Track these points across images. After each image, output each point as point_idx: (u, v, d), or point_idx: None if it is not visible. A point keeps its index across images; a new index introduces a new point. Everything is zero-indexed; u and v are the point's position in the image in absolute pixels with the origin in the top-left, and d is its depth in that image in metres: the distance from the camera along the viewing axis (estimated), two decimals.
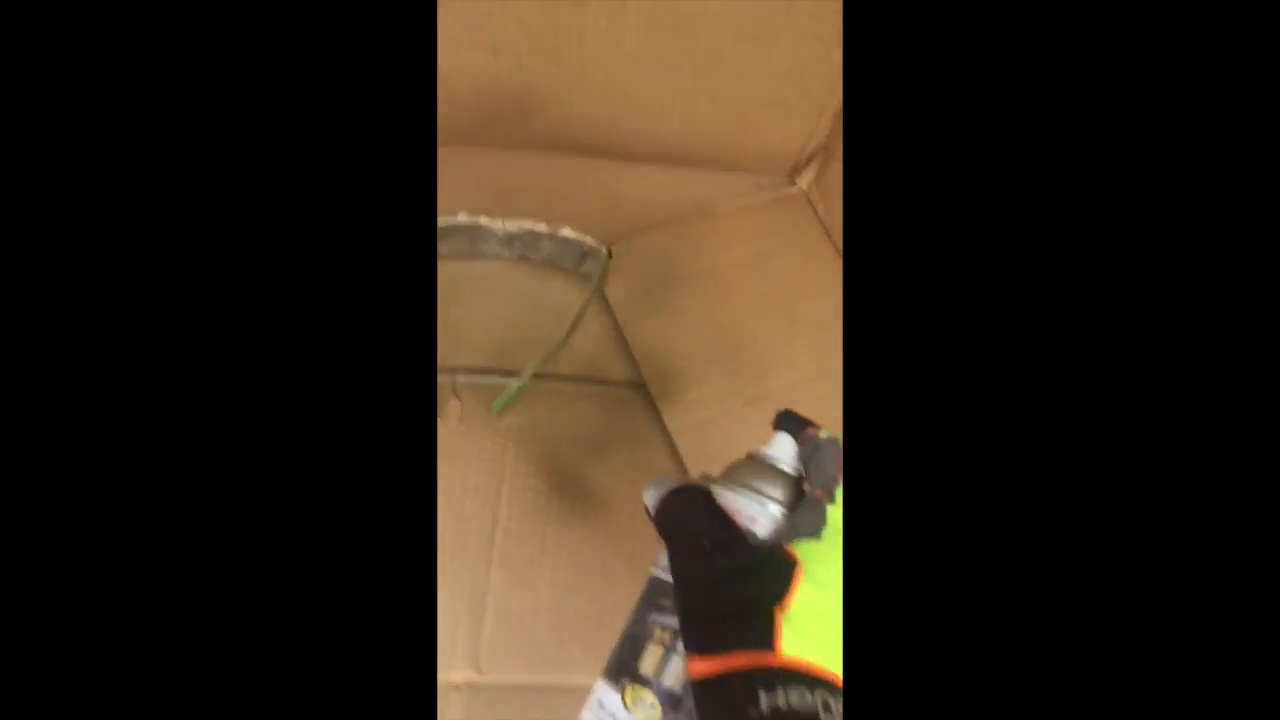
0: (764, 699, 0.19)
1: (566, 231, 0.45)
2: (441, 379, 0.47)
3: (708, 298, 0.50)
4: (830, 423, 0.28)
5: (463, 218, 0.46)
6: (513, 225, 0.46)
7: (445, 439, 0.46)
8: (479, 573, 0.42)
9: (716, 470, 0.29)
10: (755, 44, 0.46)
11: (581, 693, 0.27)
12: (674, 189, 0.54)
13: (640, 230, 0.51)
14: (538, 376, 0.47)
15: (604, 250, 0.46)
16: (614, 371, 0.48)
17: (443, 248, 0.49)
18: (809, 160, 0.55)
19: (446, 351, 0.48)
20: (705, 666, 0.21)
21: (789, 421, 0.28)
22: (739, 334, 0.49)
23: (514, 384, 0.45)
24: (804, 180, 0.56)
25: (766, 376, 0.47)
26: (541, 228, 0.46)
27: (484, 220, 0.46)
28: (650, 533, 0.26)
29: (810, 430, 0.27)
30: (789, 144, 0.54)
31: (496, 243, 0.48)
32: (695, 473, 0.44)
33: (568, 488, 0.45)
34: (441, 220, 0.46)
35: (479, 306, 0.49)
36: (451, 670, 0.40)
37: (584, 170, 0.54)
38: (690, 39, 0.46)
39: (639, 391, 0.48)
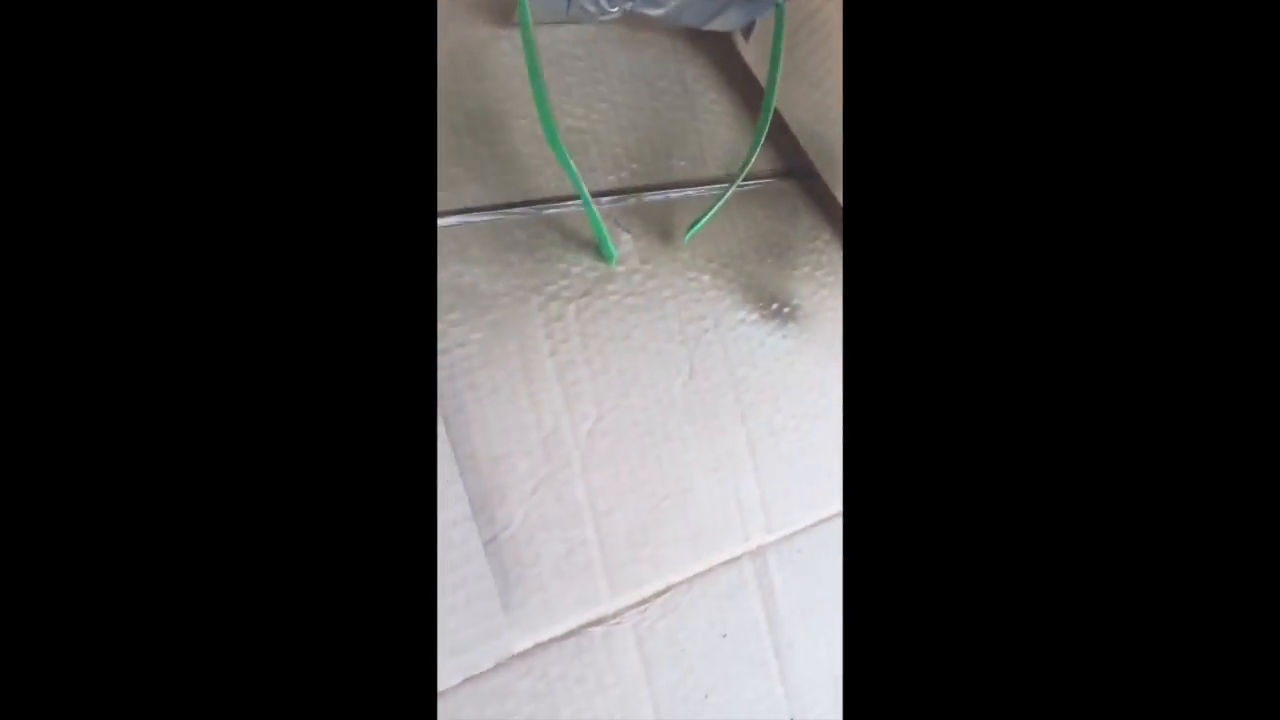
0: None
1: None
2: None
3: None
4: None
5: None
6: None
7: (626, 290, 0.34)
8: (736, 437, 0.36)
9: None
10: None
11: None
12: None
13: None
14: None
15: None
16: (759, 164, 0.39)
17: None
18: None
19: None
20: None
21: None
22: None
23: (707, 215, 0.35)
24: None
25: None
26: None
27: None
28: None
29: None
30: None
31: None
32: None
33: (771, 309, 0.38)
34: None
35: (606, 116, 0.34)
36: (744, 543, 0.36)
37: None
38: None
39: (795, 180, 0.40)
